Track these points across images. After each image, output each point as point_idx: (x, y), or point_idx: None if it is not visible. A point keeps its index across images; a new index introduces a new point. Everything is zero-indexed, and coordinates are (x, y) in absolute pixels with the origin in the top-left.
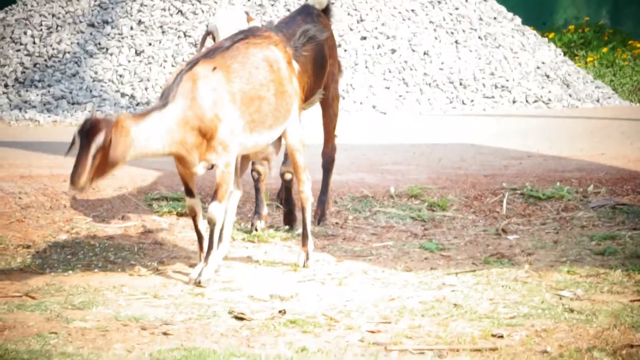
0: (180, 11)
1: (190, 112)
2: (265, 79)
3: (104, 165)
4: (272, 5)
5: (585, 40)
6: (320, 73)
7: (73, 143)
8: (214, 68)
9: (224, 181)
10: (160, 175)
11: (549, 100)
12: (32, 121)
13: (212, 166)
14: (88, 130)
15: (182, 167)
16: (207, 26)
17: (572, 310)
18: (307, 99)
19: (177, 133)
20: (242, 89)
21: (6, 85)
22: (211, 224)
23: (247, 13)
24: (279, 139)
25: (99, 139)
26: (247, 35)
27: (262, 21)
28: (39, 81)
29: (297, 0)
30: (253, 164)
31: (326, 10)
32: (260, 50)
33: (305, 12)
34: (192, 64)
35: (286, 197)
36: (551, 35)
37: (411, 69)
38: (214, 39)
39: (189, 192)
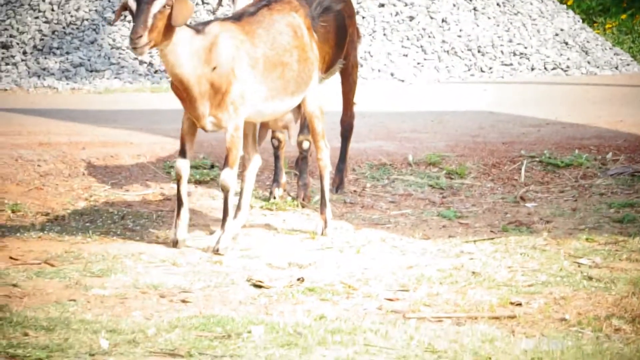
0: None
1: (208, 55)
2: (289, 44)
3: (165, 27)
4: None
5: (603, 6)
6: (341, 43)
7: (125, 8)
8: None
9: (233, 146)
10: (177, 143)
11: (568, 67)
12: (50, 88)
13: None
14: None
15: (190, 112)
16: None
17: (590, 278)
18: (328, 69)
19: (194, 61)
20: (266, 54)
21: (25, 53)
22: (224, 190)
23: None
24: (298, 106)
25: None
26: (269, 1)
27: None
28: (58, 48)
29: None
30: (273, 131)
31: None
32: (283, 17)
33: None
34: (222, 19)
35: (301, 168)
36: (569, 2)
37: (429, 37)
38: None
39: (182, 152)
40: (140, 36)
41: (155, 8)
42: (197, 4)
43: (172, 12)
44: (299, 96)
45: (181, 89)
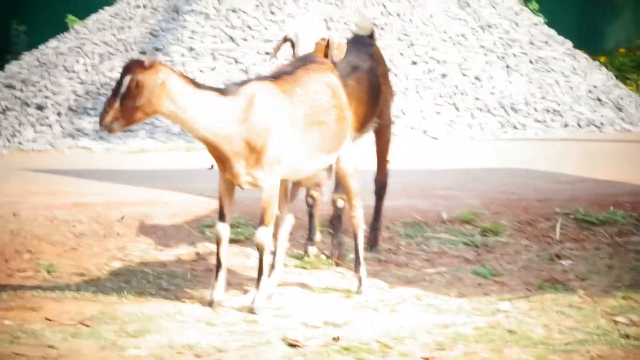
0: (231, 38)
1: (243, 115)
2: (327, 103)
3: (131, 107)
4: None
5: (636, 63)
6: (374, 102)
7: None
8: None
9: (269, 204)
10: (212, 202)
11: (601, 124)
12: (84, 149)
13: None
14: (123, 70)
15: (226, 172)
16: (285, 33)
17: (627, 336)
18: (362, 127)
19: (225, 124)
20: (305, 112)
21: (59, 114)
22: (260, 249)
23: (325, 21)
24: (330, 165)
25: (127, 79)
26: (305, 61)
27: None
28: (92, 109)
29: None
30: (307, 189)
31: (371, 36)
32: (321, 76)
33: (359, 42)
34: (260, 79)
35: (336, 226)
36: (602, 58)
37: (462, 94)
38: (292, 46)
39: (222, 216)
40: None
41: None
42: (229, 63)
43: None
44: (334, 154)
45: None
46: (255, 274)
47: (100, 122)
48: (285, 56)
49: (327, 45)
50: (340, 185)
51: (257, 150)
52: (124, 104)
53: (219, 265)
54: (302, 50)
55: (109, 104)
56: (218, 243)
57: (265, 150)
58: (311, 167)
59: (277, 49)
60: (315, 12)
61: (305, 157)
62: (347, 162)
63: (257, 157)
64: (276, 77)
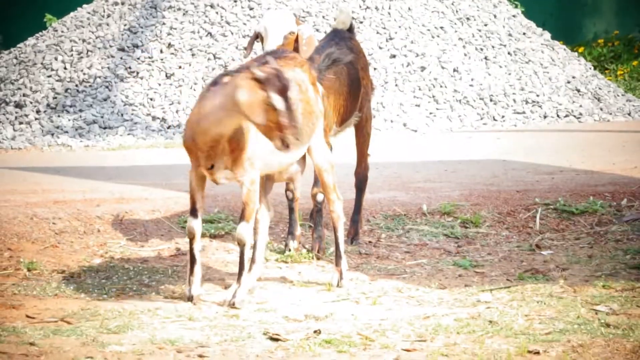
0: (209, 33)
1: (223, 112)
2: None
3: None
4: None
5: (615, 53)
6: (356, 95)
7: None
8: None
9: (250, 199)
10: None
11: (580, 114)
12: (64, 146)
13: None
14: None
15: (198, 166)
16: (255, 28)
17: (608, 325)
18: (343, 121)
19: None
20: None
21: (38, 111)
22: (240, 244)
23: (295, 15)
24: (303, 158)
25: None
26: (273, 57)
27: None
28: (71, 106)
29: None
30: (287, 184)
31: (350, 29)
32: (287, 71)
33: (338, 36)
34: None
35: (316, 220)
36: (581, 49)
37: (441, 86)
38: (261, 40)
39: (194, 211)
40: None
41: None
42: (208, 59)
43: None
44: (301, 148)
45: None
46: (236, 269)
47: None
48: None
49: (296, 40)
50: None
51: (232, 147)
52: None
53: (193, 261)
54: (270, 45)
55: None
56: (191, 239)
57: (244, 148)
58: (280, 161)
59: (251, 44)
60: (286, 6)
61: (272, 152)
62: (320, 157)
63: (233, 155)
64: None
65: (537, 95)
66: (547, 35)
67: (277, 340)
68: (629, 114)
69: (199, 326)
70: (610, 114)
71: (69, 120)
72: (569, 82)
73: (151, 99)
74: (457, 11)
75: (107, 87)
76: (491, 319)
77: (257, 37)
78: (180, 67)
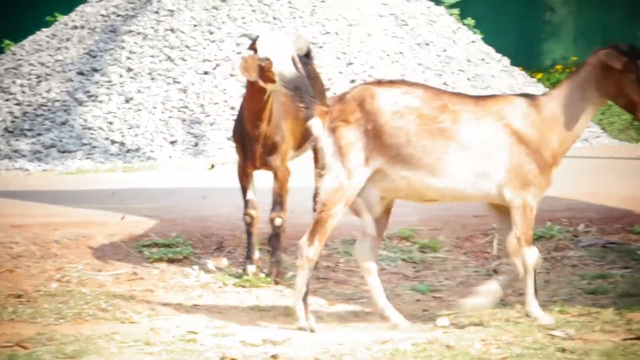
0: (169, 57)
1: None
2: None
3: None
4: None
5: None
6: None
7: None
8: None
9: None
10: (149, 222)
11: None
12: (22, 170)
13: None
14: None
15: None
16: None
17: (564, 350)
18: (300, 146)
19: None
20: None
21: None
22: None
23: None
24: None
25: None
26: None
27: None
28: (29, 130)
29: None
30: (245, 208)
31: (308, 55)
32: None
33: None
34: None
35: (274, 244)
36: (539, 75)
37: None
38: (267, 65)
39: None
40: None
41: None
42: (168, 83)
43: None
44: None
45: None
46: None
47: None
48: (224, 75)
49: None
50: (277, 204)
51: None
52: None
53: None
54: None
55: None
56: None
57: None
58: None
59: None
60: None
61: None
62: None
63: None
64: None
65: None
66: (506, 61)
67: None
68: (586, 140)
69: (156, 351)
70: None
71: (27, 144)
72: None
73: (110, 123)
74: (416, 36)
75: (65, 111)
76: (448, 344)
77: (264, 60)
78: (139, 91)
